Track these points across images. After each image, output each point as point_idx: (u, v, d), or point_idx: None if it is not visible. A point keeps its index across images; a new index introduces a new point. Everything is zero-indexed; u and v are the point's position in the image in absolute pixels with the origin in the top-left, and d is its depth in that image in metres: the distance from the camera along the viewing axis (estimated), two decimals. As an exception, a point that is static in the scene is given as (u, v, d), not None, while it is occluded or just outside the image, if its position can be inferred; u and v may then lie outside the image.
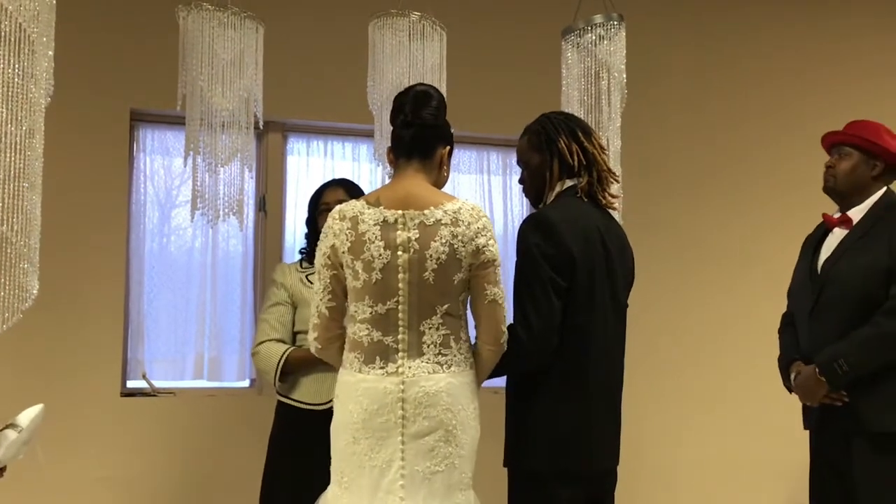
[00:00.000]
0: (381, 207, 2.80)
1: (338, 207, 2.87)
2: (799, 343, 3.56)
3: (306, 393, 3.56)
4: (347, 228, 2.79)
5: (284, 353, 3.57)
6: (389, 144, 2.95)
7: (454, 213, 2.80)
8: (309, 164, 4.83)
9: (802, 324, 3.54)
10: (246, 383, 4.61)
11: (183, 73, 3.43)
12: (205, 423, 4.37)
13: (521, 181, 3.29)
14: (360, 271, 2.77)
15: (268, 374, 3.60)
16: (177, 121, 4.08)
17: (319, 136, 4.82)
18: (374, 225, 2.77)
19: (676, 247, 5.18)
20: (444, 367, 2.78)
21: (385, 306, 2.77)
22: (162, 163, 4.66)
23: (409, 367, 2.76)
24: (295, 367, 3.56)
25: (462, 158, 5.10)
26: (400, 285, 2.76)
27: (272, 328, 3.65)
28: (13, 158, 2.40)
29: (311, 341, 2.94)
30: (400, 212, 2.78)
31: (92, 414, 4.25)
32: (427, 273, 2.76)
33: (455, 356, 2.81)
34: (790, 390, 3.56)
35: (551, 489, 2.96)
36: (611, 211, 3.23)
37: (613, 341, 3.11)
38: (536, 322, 2.94)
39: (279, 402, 3.67)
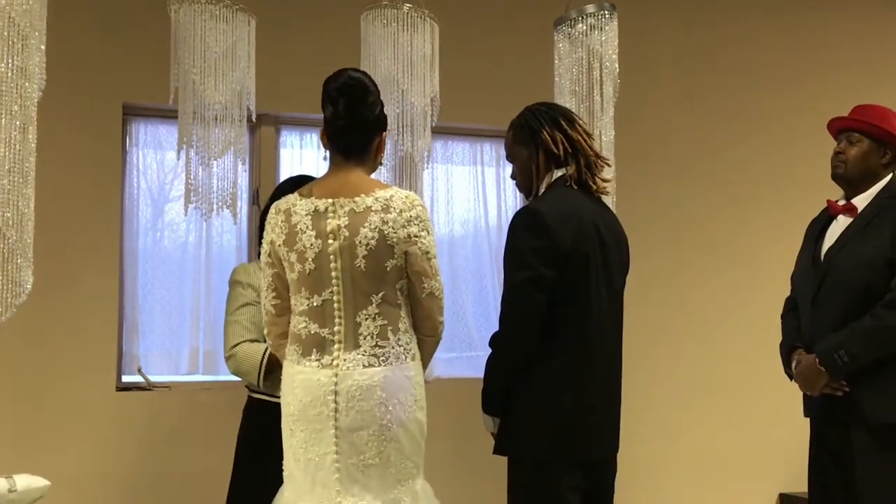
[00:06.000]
0: (313, 198, 2.82)
1: (275, 203, 2.92)
2: (801, 329, 3.57)
3: None
4: (281, 221, 2.83)
5: (266, 350, 3.47)
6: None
7: (385, 200, 2.80)
8: (302, 157, 4.82)
9: (805, 311, 3.54)
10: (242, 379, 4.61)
11: (175, 66, 3.42)
12: (201, 417, 4.37)
13: (512, 177, 3.30)
14: (294, 263, 2.80)
15: (249, 375, 3.51)
16: (169, 114, 4.07)
17: (313, 128, 4.81)
18: (306, 215, 2.80)
19: (671, 236, 5.19)
20: (381, 359, 2.78)
21: (321, 297, 2.79)
22: (155, 157, 4.66)
23: (344, 360, 2.77)
24: (277, 365, 3.48)
25: (455, 150, 5.11)
26: (333, 274, 2.77)
27: (245, 329, 3.56)
28: (6, 153, 2.41)
29: (266, 339, 3.03)
30: (330, 200, 2.80)
31: (88, 409, 4.25)
32: (358, 260, 2.76)
33: (393, 348, 2.81)
34: (791, 377, 3.57)
35: (551, 476, 2.98)
36: (604, 198, 3.24)
37: (610, 330, 3.13)
38: (515, 318, 3.01)
39: (254, 399, 3.60)
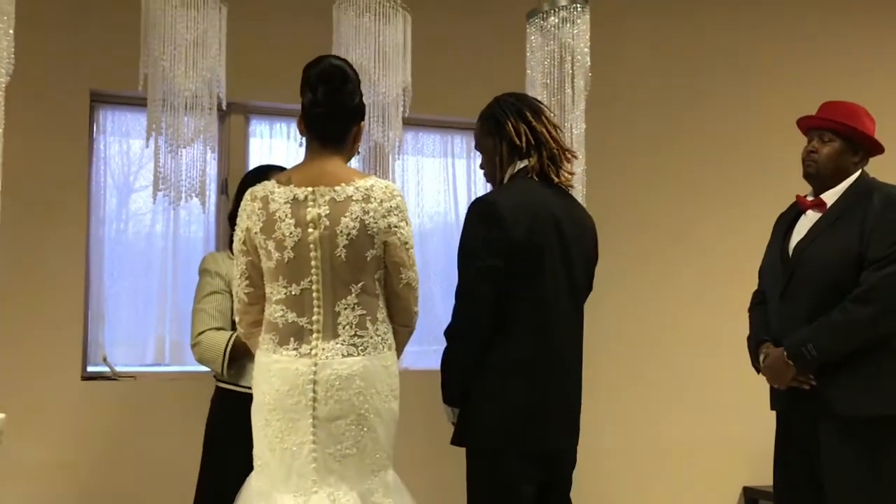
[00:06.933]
0: (292, 186, 2.80)
1: (250, 189, 2.89)
2: (769, 324, 3.59)
3: (252, 378, 3.48)
4: (259, 209, 2.81)
5: (230, 338, 3.48)
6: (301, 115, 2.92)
7: (366, 189, 2.80)
8: (272, 147, 4.80)
9: (773, 305, 3.56)
10: (208, 367, 4.58)
11: (145, 53, 3.38)
12: (167, 407, 4.33)
13: (481, 167, 3.32)
14: (272, 251, 2.78)
15: (213, 363, 3.52)
16: (137, 102, 4.04)
17: (283, 118, 4.79)
18: (285, 203, 2.78)
19: (639, 229, 5.21)
20: (360, 349, 2.79)
21: (299, 286, 2.78)
22: (120, 146, 4.62)
23: (323, 350, 2.76)
24: (242, 353, 3.43)
25: (426, 142, 5.11)
26: (312, 263, 2.77)
27: (211, 317, 3.56)
28: (-28, 137, 2.38)
29: (237, 327, 3.00)
30: (310, 189, 2.79)
31: (52, 398, 4.20)
32: (339, 250, 2.76)
33: (371, 338, 2.81)
34: (759, 371, 3.59)
35: (504, 467, 3.00)
36: (574, 191, 3.25)
37: (568, 322, 3.14)
38: (466, 310, 3.05)
39: (221, 389, 3.60)
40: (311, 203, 2.77)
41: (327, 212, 2.76)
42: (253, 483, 2.87)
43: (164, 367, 4.58)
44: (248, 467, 2.92)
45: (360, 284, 2.80)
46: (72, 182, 4.34)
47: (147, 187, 4.39)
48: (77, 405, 4.25)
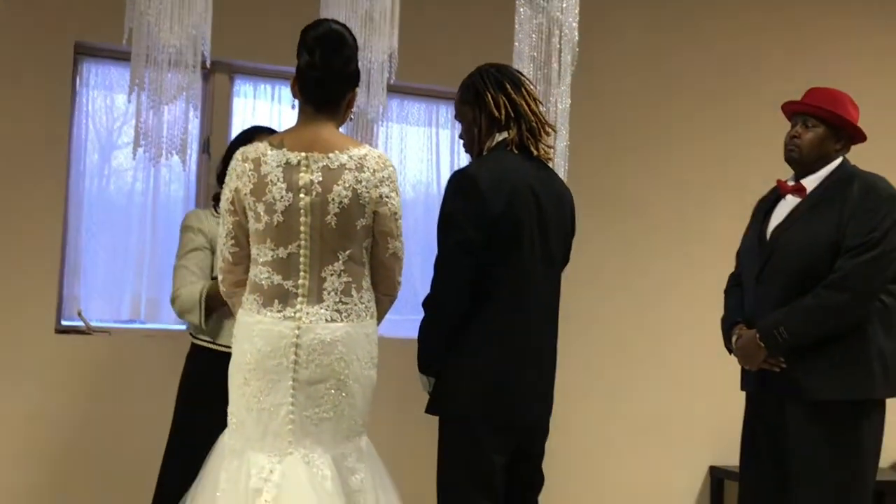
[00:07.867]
0: (285, 149, 2.79)
1: (241, 149, 2.88)
2: (743, 306, 3.61)
3: (229, 335, 3.47)
4: (250, 170, 2.80)
5: (204, 287, 3.49)
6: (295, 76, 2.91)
7: (360, 158, 2.81)
8: (255, 108, 4.77)
9: (748, 288, 3.59)
10: (184, 325, 4.57)
11: (130, 7, 3.35)
12: (141, 363, 4.33)
13: (460, 136, 3.31)
14: (261, 213, 2.77)
15: (191, 314, 3.52)
16: (122, 56, 4.00)
17: (267, 79, 4.76)
18: (277, 167, 2.77)
19: (619, 207, 5.21)
20: (344, 315, 2.80)
21: (287, 250, 2.78)
22: (104, 101, 4.58)
23: (307, 314, 2.77)
24: (218, 303, 3.36)
25: (411, 111, 5.08)
26: (302, 228, 2.77)
27: (192, 273, 3.57)
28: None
29: (220, 286, 2.98)
30: (303, 154, 2.78)
31: (25, 349, 4.19)
32: (329, 217, 2.76)
33: (356, 305, 2.83)
34: (731, 352, 3.62)
35: (475, 436, 3.02)
36: (556, 167, 3.26)
37: (545, 295, 3.16)
38: (444, 281, 3.06)
39: (197, 346, 3.62)
40: (303, 168, 2.77)
41: (320, 178, 2.76)
42: (226, 440, 2.87)
43: (139, 323, 4.58)
44: (220, 424, 2.93)
45: (347, 252, 2.81)
46: (53, 135, 4.31)
47: (130, 143, 4.37)
48: (50, 358, 4.24)
